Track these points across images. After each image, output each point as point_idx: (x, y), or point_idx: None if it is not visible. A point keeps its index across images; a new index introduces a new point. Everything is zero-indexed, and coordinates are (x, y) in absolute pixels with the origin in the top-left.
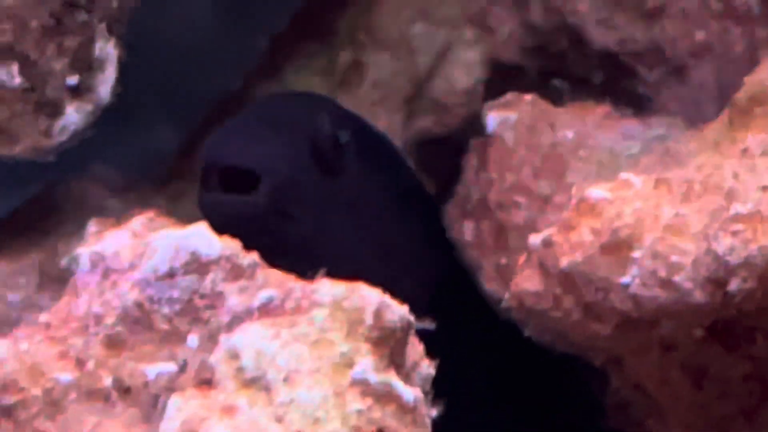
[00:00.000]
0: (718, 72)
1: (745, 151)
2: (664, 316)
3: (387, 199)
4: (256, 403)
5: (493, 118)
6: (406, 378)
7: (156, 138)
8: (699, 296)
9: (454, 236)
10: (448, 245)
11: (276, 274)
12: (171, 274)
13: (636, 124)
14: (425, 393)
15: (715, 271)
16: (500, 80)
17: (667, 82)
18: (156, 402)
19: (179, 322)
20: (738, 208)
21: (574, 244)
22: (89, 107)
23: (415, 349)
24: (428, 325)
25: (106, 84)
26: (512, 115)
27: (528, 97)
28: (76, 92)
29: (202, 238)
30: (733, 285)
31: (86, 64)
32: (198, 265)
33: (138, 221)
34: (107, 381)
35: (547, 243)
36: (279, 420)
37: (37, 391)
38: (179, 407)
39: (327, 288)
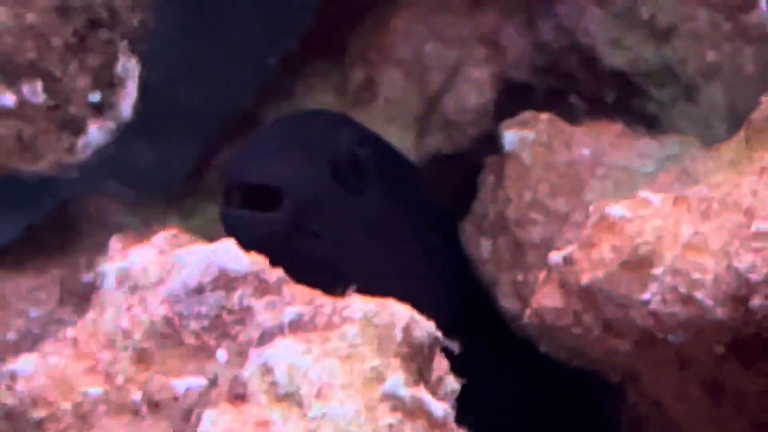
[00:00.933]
0: (728, 92)
1: (763, 169)
2: (684, 332)
3: (406, 215)
4: (289, 417)
5: (510, 137)
6: (433, 393)
7: (168, 156)
8: (720, 313)
9: (471, 253)
10: (465, 262)
11: (303, 290)
12: (200, 290)
13: (650, 143)
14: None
15: (737, 288)
16: (511, 99)
17: (677, 101)
18: (187, 416)
19: (207, 338)
20: (759, 225)
21: (594, 261)
22: (111, 124)
23: (441, 364)
24: (453, 345)
25: (127, 101)
26: (529, 134)
27: (544, 115)
28: (99, 109)
29: (230, 254)
30: (755, 301)
31: (108, 82)
32: (226, 281)
33: (162, 237)
34: (136, 395)
35: (568, 260)
36: None
37: (66, 406)
38: (214, 421)
39: (358, 304)
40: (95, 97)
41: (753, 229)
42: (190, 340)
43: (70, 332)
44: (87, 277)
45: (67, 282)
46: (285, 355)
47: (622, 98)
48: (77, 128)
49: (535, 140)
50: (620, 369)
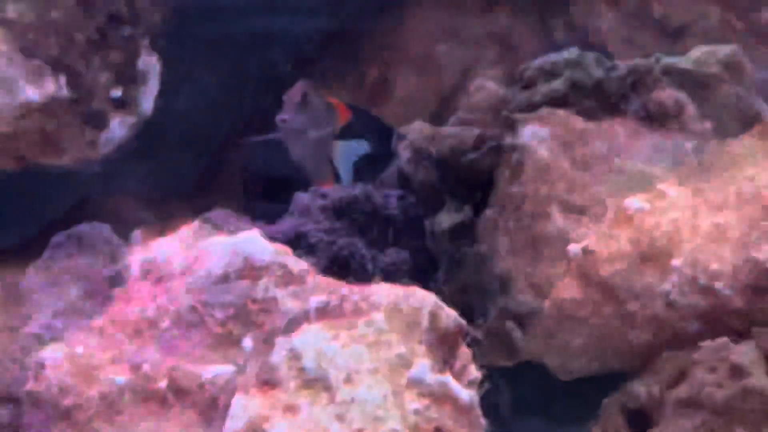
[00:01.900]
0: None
1: None
2: (704, 322)
3: None
4: (317, 402)
5: (527, 132)
6: (457, 380)
7: (183, 156)
8: (739, 302)
9: (488, 247)
10: None
11: (325, 280)
12: (225, 279)
13: (665, 138)
14: None
15: (756, 278)
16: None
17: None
18: (214, 403)
19: (233, 326)
20: None
21: (613, 253)
22: (132, 120)
23: (464, 353)
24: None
25: (148, 97)
26: (546, 129)
27: (561, 111)
28: (120, 105)
29: (255, 244)
30: None
31: (130, 78)
32: (251, 270)
33: (186, 230)
34: (162, 383)
35: (587, 252)
36: (340, 418)
37: (93, 394)
38: (244, 405)
39: (384, 291)
40: (117, 92)
41: None
42: (216, 329)
43: (96, 322)
44: (108, 270)
45: (89, 274)
46: (312, 341)
47: (635, 95)
48: (100, 123)
49: (552, 135)
50: (638, 359)
